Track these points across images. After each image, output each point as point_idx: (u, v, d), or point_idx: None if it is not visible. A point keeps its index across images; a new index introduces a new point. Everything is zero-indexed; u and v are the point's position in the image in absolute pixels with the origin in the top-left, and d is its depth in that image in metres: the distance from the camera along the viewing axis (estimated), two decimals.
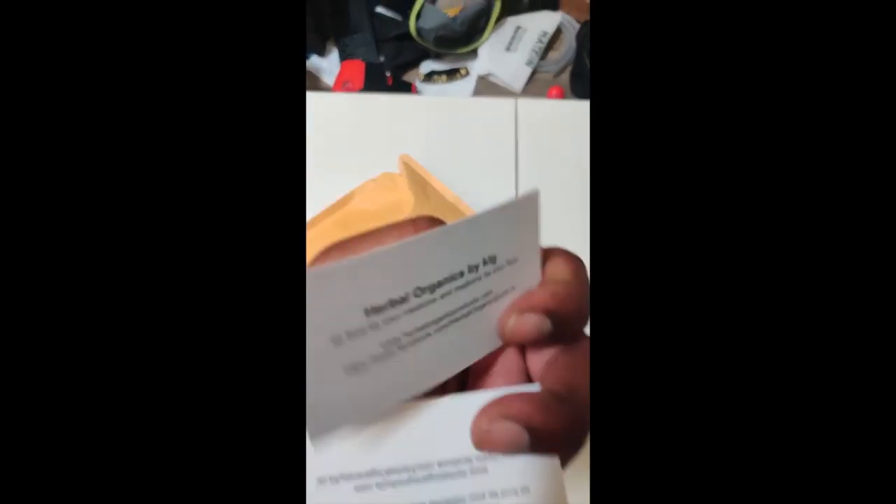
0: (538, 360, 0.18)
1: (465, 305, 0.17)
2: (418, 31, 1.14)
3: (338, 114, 0.51)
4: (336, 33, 1.19)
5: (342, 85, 1.11)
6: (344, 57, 1.17)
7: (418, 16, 1.13)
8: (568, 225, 0.40)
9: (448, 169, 0.49)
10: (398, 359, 0.16)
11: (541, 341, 0.17)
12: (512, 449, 0.16)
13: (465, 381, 0.19)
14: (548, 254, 0.18)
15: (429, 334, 0.16)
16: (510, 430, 0.15)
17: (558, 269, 0.18)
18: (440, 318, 0.16)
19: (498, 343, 0.18)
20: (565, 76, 1.21)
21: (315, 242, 0.46)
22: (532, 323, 0.17)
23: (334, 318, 0.14)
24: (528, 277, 0.18)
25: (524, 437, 0.15)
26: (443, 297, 0.16)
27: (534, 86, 1.18)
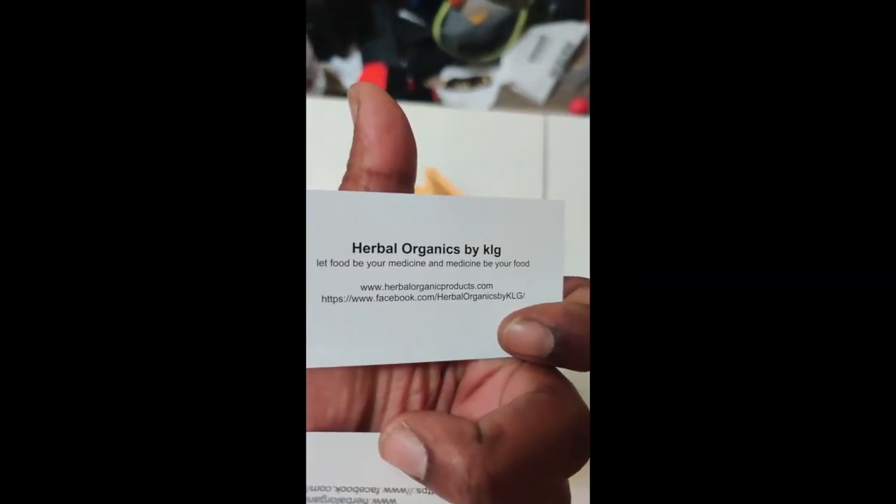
0: (508, 397, 0.16)
1: (457, 286, 0.16)
2: (442, 37, 1.13)
3: None
4: (359, 36, 1.18)
5: None
6: (366, 60, 1.17)
7: (442, 22, 1.12)
8: None
9: (474, 185, 0.48)
10: (375, 309, 0.15)
11: (538, 360, 0.16)
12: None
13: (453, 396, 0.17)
14: (578, 282, 0.17)
15: (411, 297, 0.16)
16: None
17: (583, 295, 0.17)
18: (426, 287, 0.16)
19: (495, 353, 0.17)
20: (589, 88, 1.19)
21: None
22: (534, 334, 0.15)
23: (323, 240, 0.15)
24: (542, 290, 0.17)
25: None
26: (431, 264, 0.16)
27: (557, 97, 1.17)
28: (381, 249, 0.15)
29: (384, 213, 0.15)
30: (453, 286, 0.16)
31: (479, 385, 0.17)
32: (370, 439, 0.15)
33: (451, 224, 0.16)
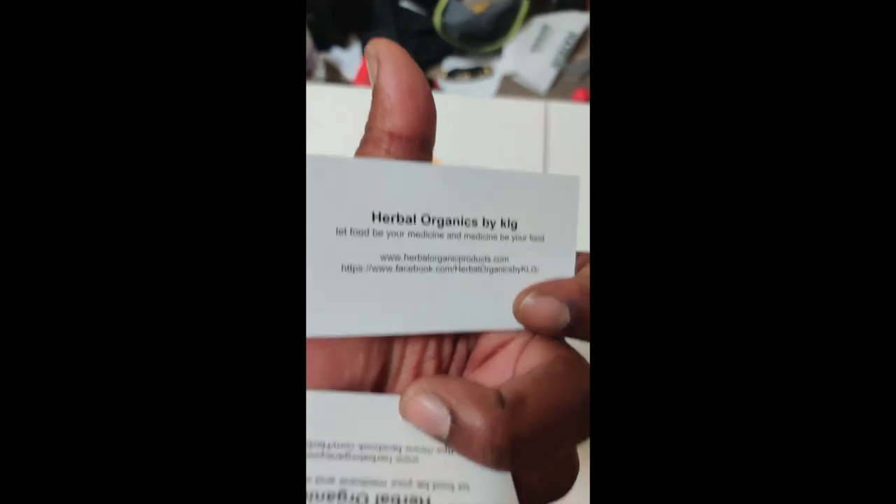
0: (523, 367, 0.16)
1: (474, 259, 0.16)
2: (443, 27, 1.12)
3: (359, 109, 0.49)
4: (359, 26, 1.17)
5: (363, 79, 1.10)
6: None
7: (443, 12, 1.11)
8: None
9: None
10: (395, 280, 0.15)
11: (553, 333, 0.16)
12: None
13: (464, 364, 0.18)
14: (589, 257, 0.17)
15: (430, 268, 0.16)
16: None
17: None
18: (444, 258, 0.16)
19: (508, 324, 0.17)
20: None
21: None
22: (550, 308, 0.16)
23: (343, 209, 0.14)
24: (556, 264, 0.17)
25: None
26: (450, 237, 0.16)
27: (559, 87, 1.16)
28: (400, 220, 0.15)
29: (404, 182, 0.15)
30: (470, 258, 0.16)
31: (490, 355, 0.17)
32: (390, 401, 0.15)
33: (469, 196, 0.16)
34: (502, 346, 0.17)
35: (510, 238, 0.16)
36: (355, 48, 1.17)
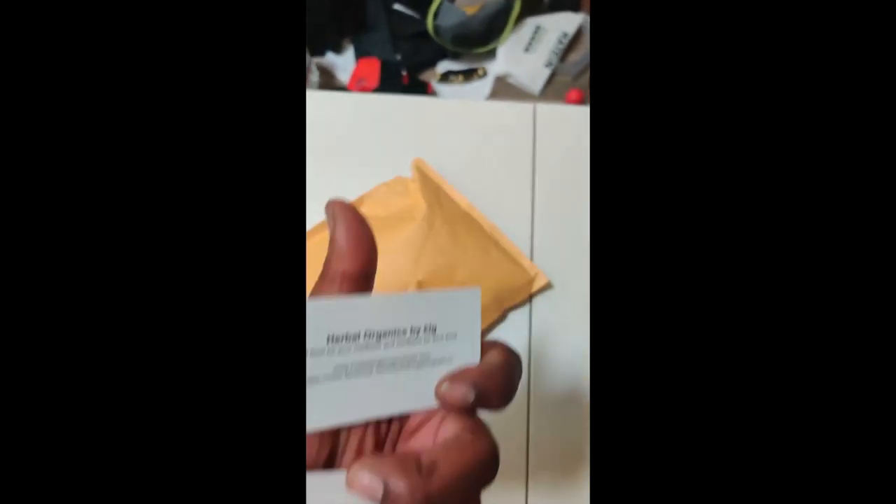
0: (439, 435, 0.21)
1: (404, 358, 0.21)
2: (436, 29, 1.12)
3: (351, 114, 0.49)
4: (352, 30, 1.17)
5: (357, 82, 1.10)
6: (360, 54, 1.16)
7: (436, 14, 1.11)
8: (585, 234, 0.38)
9: (463, 175, 0.47)
10: (345, 384, 0.20)
11: (463, 409, 0.21)
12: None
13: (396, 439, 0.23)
14: (490, 345, 0.23)
15: (371, 371, 0.21)
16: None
17: (493, 356, 0.22)
18: (381, 362, 0.21)
19: (431, 404, 0.22)
20: (585, 79, 1.18)
21: (322, 248, 0.44)
22: (460, 391, 0.21)
23: (309, 337, 0.19)
24: (465, 354, 0.22)
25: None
26: (385, 346, 0.21)
27: (552, 88, 1.16)
28: (348, 339, 0.20)
29: (350, 311, 0.20)
30: (401, 358, 0.21)
31: (418, 428, 0.22)
32: (338, 476, 0.20)
33: (399, 313, 0.21)
34: (426, 420, 0.22)
35: (431, 339, 0.22)
36: (349, 52, 1.17)
